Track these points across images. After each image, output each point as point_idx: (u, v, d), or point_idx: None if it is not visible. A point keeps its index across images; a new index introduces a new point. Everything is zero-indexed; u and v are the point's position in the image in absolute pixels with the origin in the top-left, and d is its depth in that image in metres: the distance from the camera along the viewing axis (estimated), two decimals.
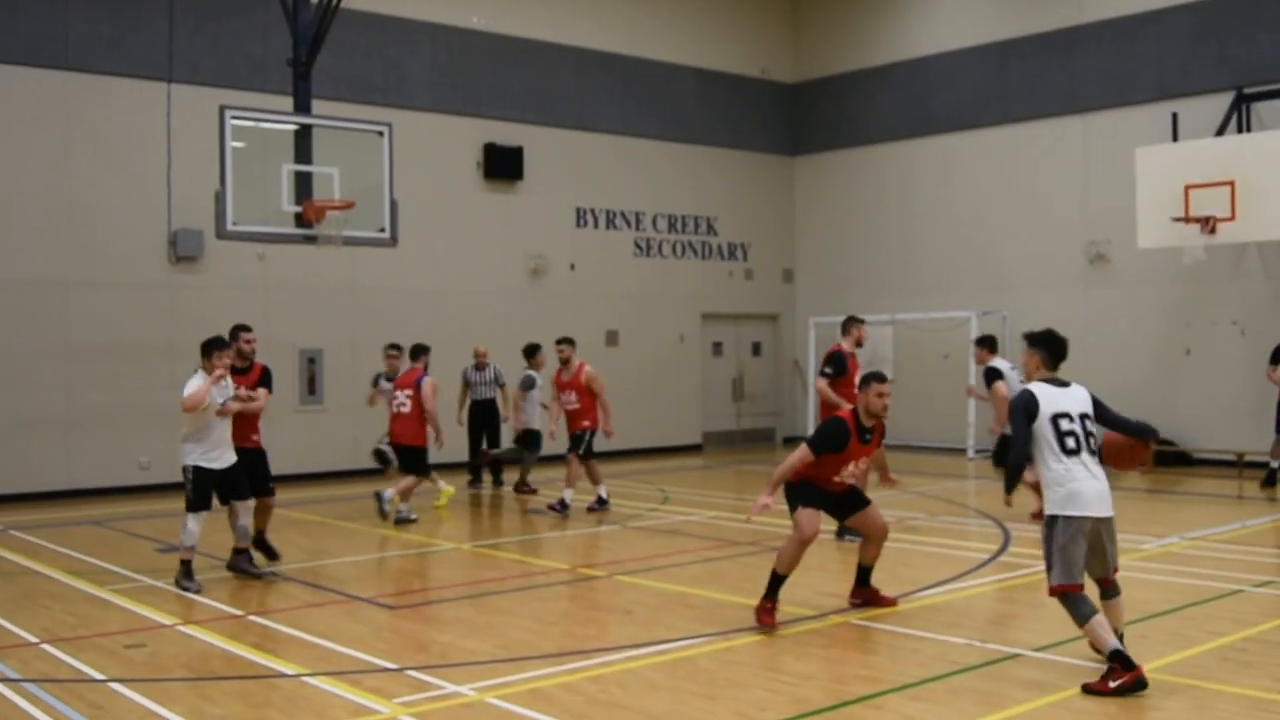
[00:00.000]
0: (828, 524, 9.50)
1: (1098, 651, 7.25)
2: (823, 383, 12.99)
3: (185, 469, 10.66)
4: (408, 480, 14.43)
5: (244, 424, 11.20)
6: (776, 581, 8.83)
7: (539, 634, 8.89)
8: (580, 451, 14.94)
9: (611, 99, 22.95)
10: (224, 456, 10.72)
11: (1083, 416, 7.29)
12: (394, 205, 15.07)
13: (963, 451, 21.21)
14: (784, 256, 25.64)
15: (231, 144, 13.94)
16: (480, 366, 17.89)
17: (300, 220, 14.37)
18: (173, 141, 17.40)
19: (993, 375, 13.65)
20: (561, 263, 22.30)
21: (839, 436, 8.76)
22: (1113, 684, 6.88)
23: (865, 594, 9.33)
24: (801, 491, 8.95)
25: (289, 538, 13.54)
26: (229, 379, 10.84)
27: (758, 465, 20.89)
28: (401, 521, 14.07)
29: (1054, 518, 7.23)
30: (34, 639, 8.79)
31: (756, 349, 25.58)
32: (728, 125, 24.61)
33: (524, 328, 21.15)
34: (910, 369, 23.04)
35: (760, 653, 8.12)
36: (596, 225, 22.85)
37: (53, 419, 16.97)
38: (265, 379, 11.59)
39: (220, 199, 13.80)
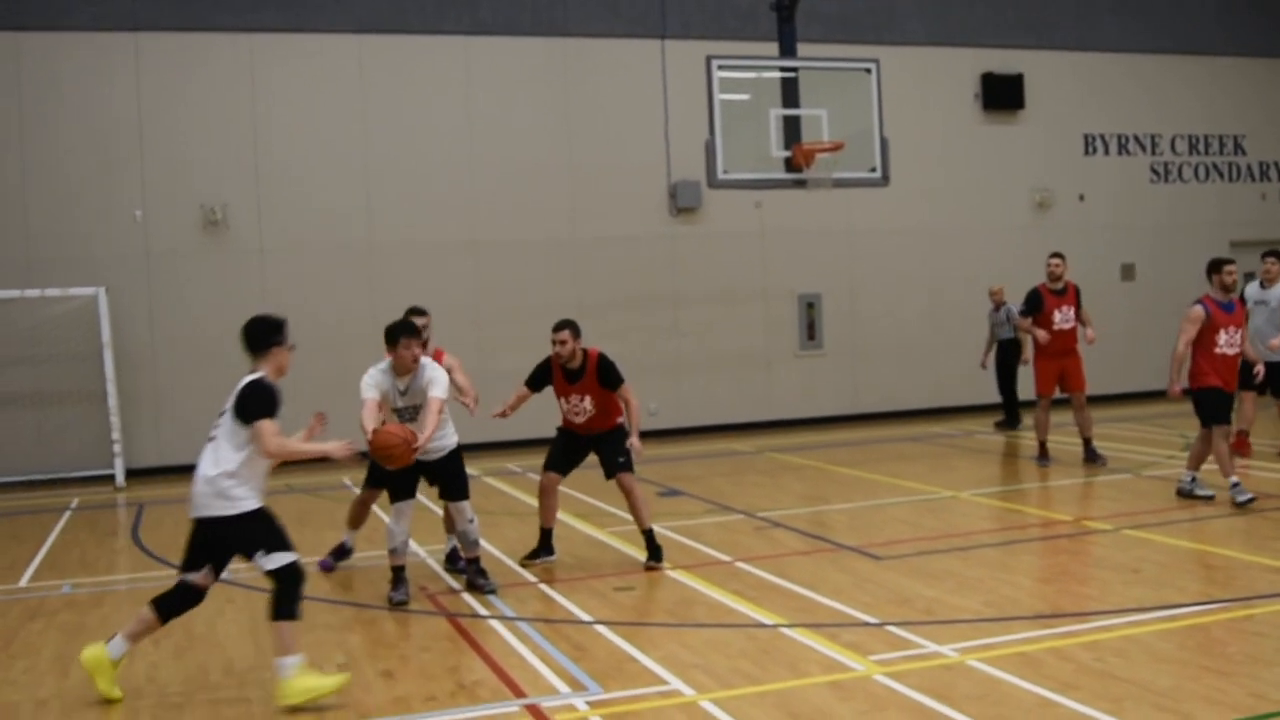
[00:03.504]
0: None
1: None
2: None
3: None
4: None
5: (607, 409, 9.56)
6: None
7: (1032, 592, 8.30)
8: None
9: (1116, 14, 21.23)
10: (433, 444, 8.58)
11: None
12: (884, 144, 14.73)
13: None
14: None
15: (720, 96, 14.07)
16: (996, 306, 17.34)
17: (790, 165, 14.32)
18: (669, 96, 17.81)
19: None
20: (1069, 194, 20.98)
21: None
22: None
23: None
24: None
25: (783, 483, 13.58)
26: (429, 375, 8.50)
27: None
28: None
29: None
30: (533, 579, 9.21)
31: None
32: (1253, 30, 22.12)
33: (1029, 264, 20.09)
34: None
35: None
36: (1107, 152, 21.31)
37: None
38: (606, 376, 9.44)
39: (710, 149, 13.98)
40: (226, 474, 6.51)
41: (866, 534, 10.41)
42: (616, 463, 9.52)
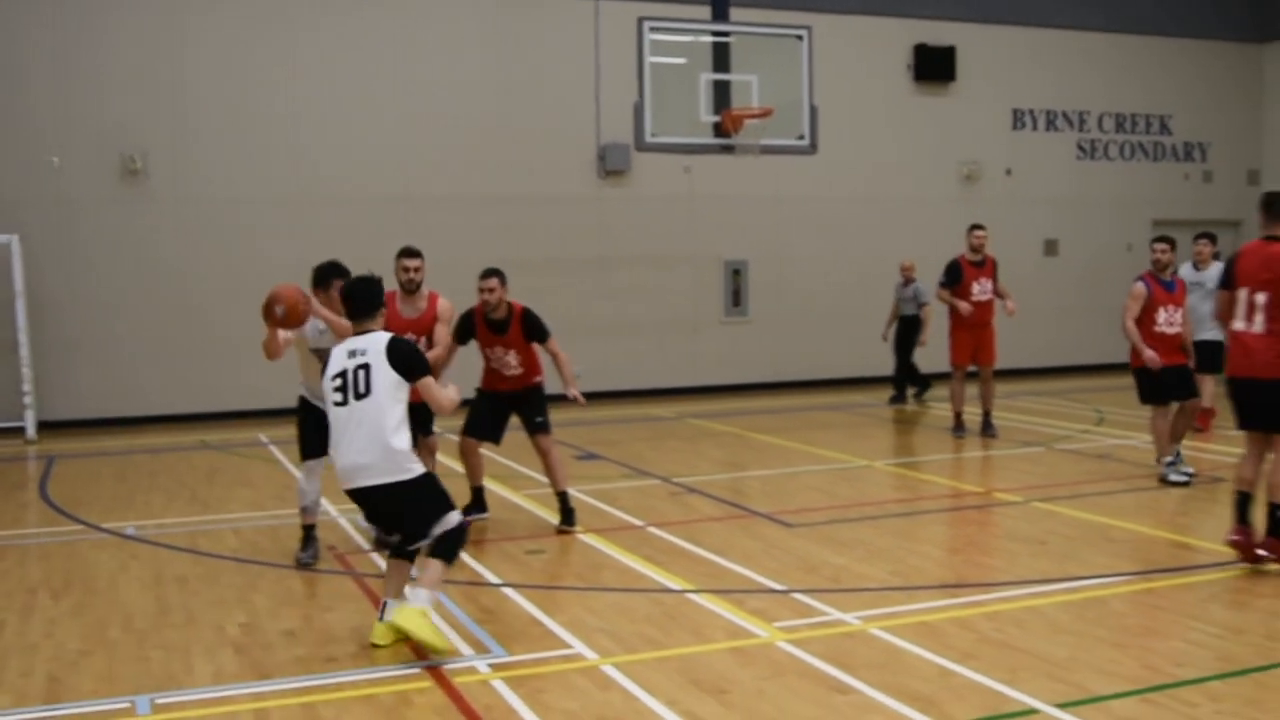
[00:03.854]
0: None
1: None
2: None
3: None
4: None
5: (530, 366, 9.60)
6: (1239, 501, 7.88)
7: (939, 561, 8.38)
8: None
9: None
10: None
11: None
12: (814, 112, 14.71)
13: None
14: (1249, 156, 23.18)
15: (651, 58, 13.98)
16: (906, 282, 17.39)
17: (718, 130, 14.28)
18: (600, 57, 17.66)
19: None
20: (996, 168, 21.12)
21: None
22: None
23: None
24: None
25: (702, 449, 13.60)
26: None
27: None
28: None
29: None
30: None
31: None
32: (1184, 12, 22.36)
33: (955, 236, 20.22)
34: None
35: (1185, 598, 7.26)
36: (1035, 127, 21.47)
37: None
38: (532, 329, 9.41)
39: (639, 111, 13.89)
40: (399, 437, 6.47)
41: (780, 501, 10.45)
42: (535, 422, 9.48)
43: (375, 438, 6.41)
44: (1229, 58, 22.88)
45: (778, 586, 7.64)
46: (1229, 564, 7.95)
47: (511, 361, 9.45)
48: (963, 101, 20.72)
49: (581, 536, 9.22)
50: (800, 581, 7.77)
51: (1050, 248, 21.39)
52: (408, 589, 6.53)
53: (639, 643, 6.56)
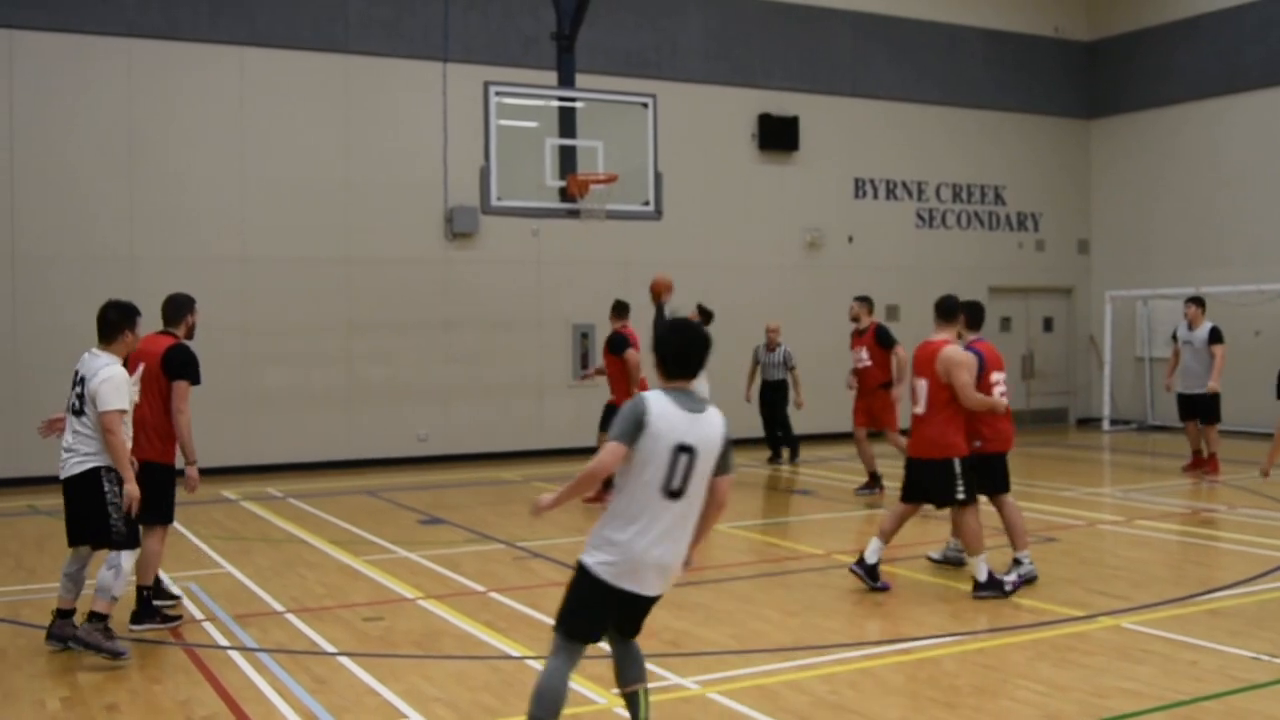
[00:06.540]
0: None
1: None
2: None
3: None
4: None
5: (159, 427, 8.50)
6: None
7: (778, 625, 8.43)
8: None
9: (891, 64, 22.05)
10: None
11: None
12: (659, 178, 14.95)
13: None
14: (1078, 226, 24.15)
15: (499, 122, 14.06)
16: (770, 346, 17.58)
17: (565, 195, 14.40)
18: (448, 120, 17.67)
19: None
20: (839, 235, 21.62)
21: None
22: None
23: None
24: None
25: (551, 515, 13.49)
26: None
27: (1048, 448, 19.73)
28: None
29: None
30: (280, 608, 8.93)
31: (1048, 324, 24.22)
32: (1017, 88, 23.30)
33: (800, 302, 20.64)
34: None
35: (1014, 657, 7.43)
36: (876, 196, 22.05)
37: (335, 392, 17.52)
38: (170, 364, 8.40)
39: (485, 175, 13.95)
40: None
41: None
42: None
43: None
44: (1059, 132, 23.85)
45: None
46: (1057, 622, 8.17)
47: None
48: (806, 170, 21.19)
49: (421, 602, 9.08)
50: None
51: (892, 313, 21.85)
52: None
53: (476, 711, 6.46)
